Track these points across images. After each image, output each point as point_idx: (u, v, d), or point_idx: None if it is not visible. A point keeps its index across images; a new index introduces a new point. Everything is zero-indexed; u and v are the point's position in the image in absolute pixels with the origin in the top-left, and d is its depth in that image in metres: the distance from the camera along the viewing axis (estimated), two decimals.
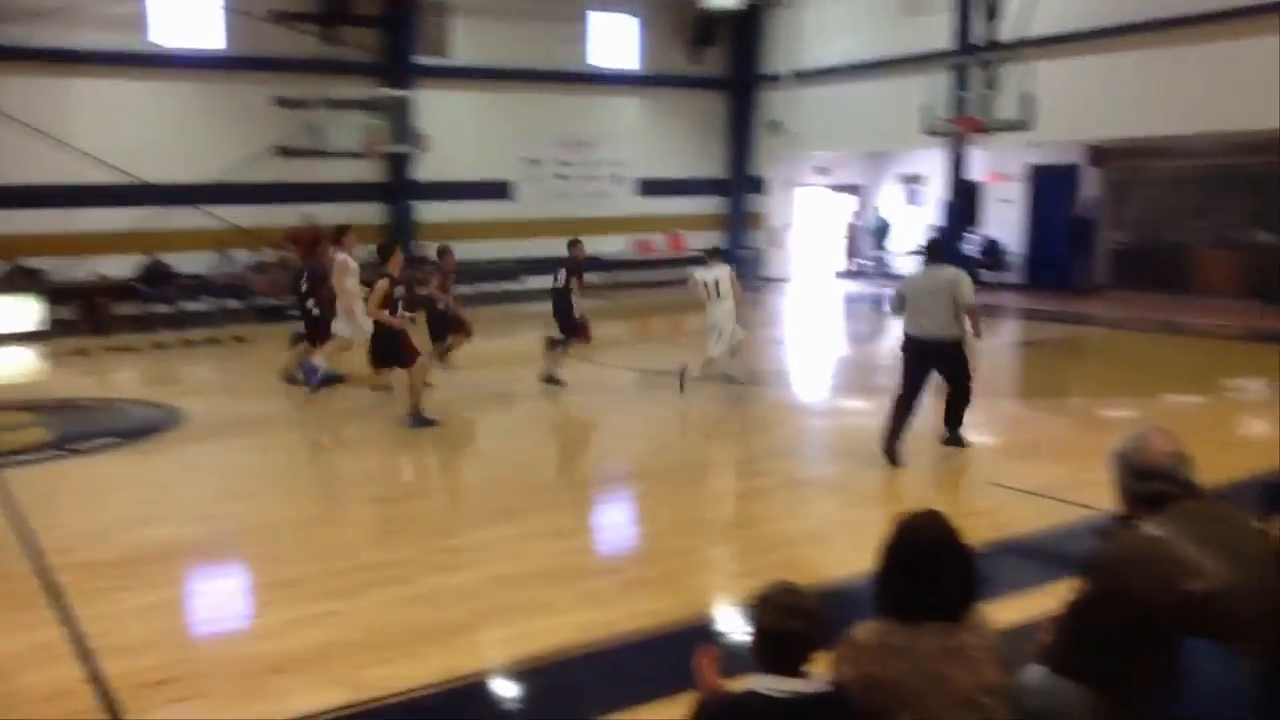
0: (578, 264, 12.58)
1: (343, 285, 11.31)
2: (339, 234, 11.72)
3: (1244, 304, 18.48)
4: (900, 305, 8.62)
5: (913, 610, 2.98)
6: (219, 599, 6.12)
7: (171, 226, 18.72)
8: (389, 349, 10.29)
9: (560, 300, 12.33)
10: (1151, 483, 3.09)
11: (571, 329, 12.32)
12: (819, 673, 2.95)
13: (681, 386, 11.60)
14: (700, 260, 13.41)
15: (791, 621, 2.92)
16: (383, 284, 10.15)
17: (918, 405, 8.54)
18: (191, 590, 6.26)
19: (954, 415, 8.83)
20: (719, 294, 11.79)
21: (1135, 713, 2.69)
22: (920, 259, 9.11)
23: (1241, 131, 17.66)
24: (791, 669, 2.91)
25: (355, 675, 4.83)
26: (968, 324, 8.45)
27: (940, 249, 9.16)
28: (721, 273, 11.92)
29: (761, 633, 2.96)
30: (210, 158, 19.10)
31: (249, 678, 4.84)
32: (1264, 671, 2.23)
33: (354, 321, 11.23)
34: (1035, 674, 3.23)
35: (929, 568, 3.00)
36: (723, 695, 3.01)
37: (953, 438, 8.87)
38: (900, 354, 8.62)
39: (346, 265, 11.39)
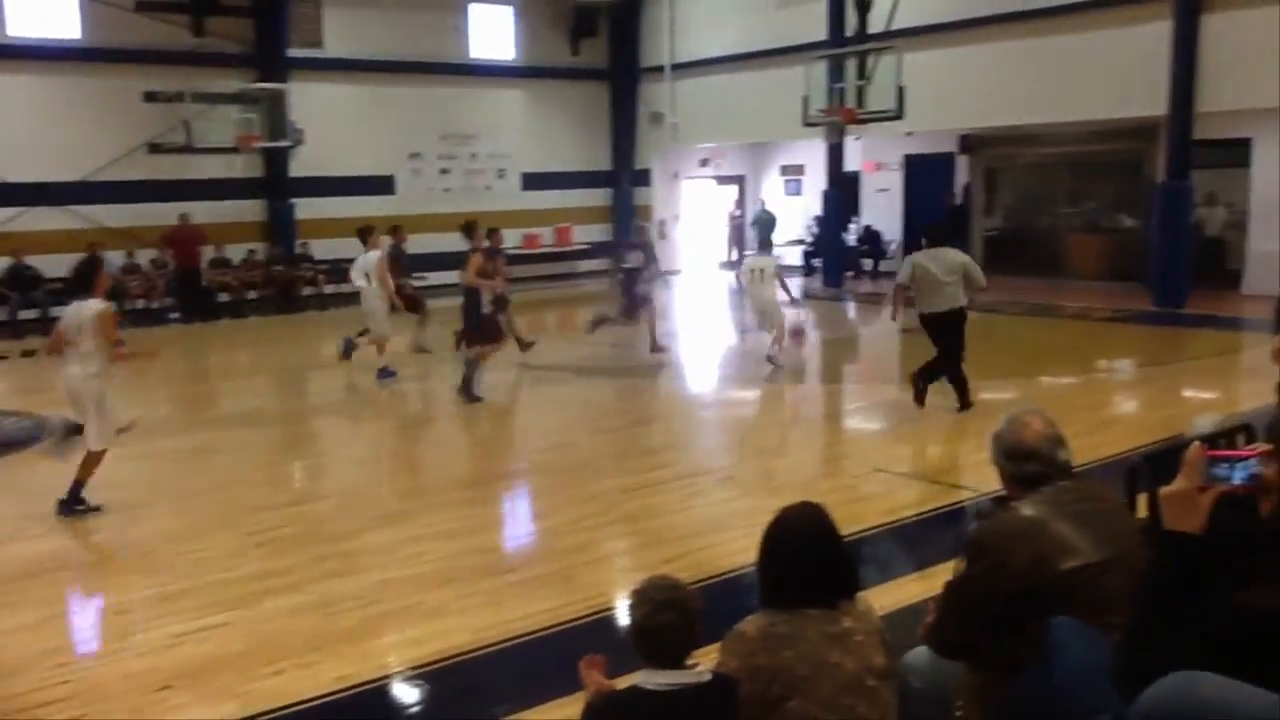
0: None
1: (385, 278, 12.29)
2: (395, 230, 12.97)
3: (1111, 286, 19.24)
4: (910, 281, 9.86)
5: (793, 598, 3.06)
6: (100, 616, 5.92)
7: (35, 228, 17.98)
8: (485, 324, 11.33)
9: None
10: (1026, 464, 3.15)
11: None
12: (703, 663, 2.99)
13: (773, 364, 12.63)
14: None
15: (663, 614, 2.95)
16: (476, 258, 11.21)
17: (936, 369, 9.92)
18: (70, 608, 6.05)
19: (929, 374, 9.93)
20: (762, 280, 12.79)
21: (1011, 689, 2.78)
22: (925, 241, 10.24)
23: (1105, 120, 18.40)
24: (672, 661, 2.95)
25: (246, 688, 4.73)
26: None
27: (942, 233, 10.50)
28: (768, 263, 13.07)
29: (636, 626, 3.00)
30: (75, 155, 18.37)
31: (134, 696, 4.71)
32: (1127, 645, 2.33)
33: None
34: (920, 655, 3.35)
35: (805, 556, 3.10)
36: (607, 694, 3.06)
37: (964, 404, 9.84)
38: (925, 329, 10.02)
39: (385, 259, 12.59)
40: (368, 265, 12.68)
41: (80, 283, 7.79)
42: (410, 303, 13.42)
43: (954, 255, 9.96)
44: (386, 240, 12.77)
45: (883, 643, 3.12)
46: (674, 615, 2.96)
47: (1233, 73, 15.69)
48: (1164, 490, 2.27)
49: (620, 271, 13.76)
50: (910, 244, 23.04)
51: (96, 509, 7.47)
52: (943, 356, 9.86)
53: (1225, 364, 12.92)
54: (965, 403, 9.84)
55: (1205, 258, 18.62)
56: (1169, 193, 16.93)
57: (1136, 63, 16.56)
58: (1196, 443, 2.27)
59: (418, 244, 21.76)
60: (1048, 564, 2.87)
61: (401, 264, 13.43)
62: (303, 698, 4.63)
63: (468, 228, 11.97)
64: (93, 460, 7.54)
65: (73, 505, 7.43)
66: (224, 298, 19.75)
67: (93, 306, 7.52)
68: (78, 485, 7.46)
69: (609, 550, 6.75)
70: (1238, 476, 2.22)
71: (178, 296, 19.16)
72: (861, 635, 3.06)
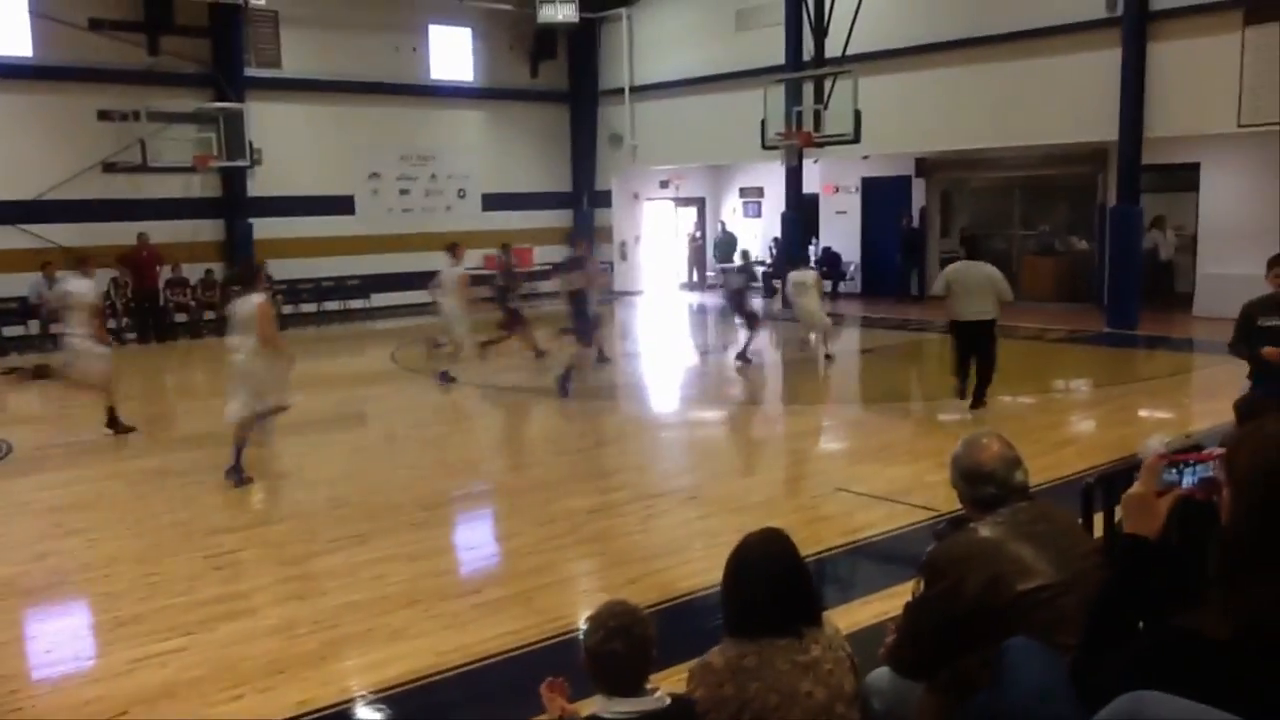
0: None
1: (463, 295, 13.04)
2: (454, 247, 13.41)
3: (1065, 307, 19.53)
4: (946, 291, 10.53)
5: (760, 629, 3.06)
6: (54, 641, 5.81)
7: None
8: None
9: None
10: (983, 486, 3.18)
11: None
12: (661, 688, 3.00)
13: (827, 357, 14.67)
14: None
15: (614, 643, 2.94)
16: (463, 277, 12.67)
17: (969, 367, 10.60)
18: (24, 633, 5.94)
19: (982, 383, 10.59)
20: (805, 292, 14.56)
21: (966, 711, 2.81)
22: (963, 253, 11.20)
23: (1057, 144, 18.73)
24: (628, 688, 2.94)
25: (205, 713, 4.68)
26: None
27: (976, 244, 11.75)
28: (810, 276, 15.06)
29: (589, 653, 2.99)
30: (27, 174, 18.17)
31: None
32: (1080, 664, 2.37)
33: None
34: (881, 676, 3.36)
35: (770, 585, 3.10)
36: None
37: (978, 402, 10.55)
38: (951, 335, 10.74)
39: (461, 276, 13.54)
40: (449, 279, 13.43)
41: (243, 281, 9.24)
42: (509, 318, 14.74)
43: (986, 268, 10.65)
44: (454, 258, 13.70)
45: (852, 667, 3.15)
46: (624, 643, 2.94)
47: (1181, 99, 16.05)
48: (1124, 494, 2.33)
49: (569, 294, 13.64)
50: (868, 266, 23.40)
51: (250, 480, 8.76)
52: (984, 364, 10.60)
53: (1178, 384, 13.15)
54: (979, 402, 10.61)
55: (1157, 280, 18.99)
56: (1120, 216, 17.24)
57: (1087, 89, 16.88)
58: (1154, 451, 2.34)
59: (377, 264, 21.81)
60: (1005, 585, 2.89)
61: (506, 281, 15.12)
62: None
63: (504, 249, 15.63)
64: (244, 428, 8.83)
65: (238, 474, 8.74)
66: (181, 318, 19.55)
67: (254, 300, 8.84)
68: (237, 452, 8.80)
69: (571, 572, 6.74)
70: (1187, 480, 2.30)
71: (134, 317, 18.92)
72: (831, 663, 3.07)
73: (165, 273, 19.31)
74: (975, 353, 10.56)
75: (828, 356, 14.91)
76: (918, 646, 3.09)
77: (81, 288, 11.07)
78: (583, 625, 3.15)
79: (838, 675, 3.07)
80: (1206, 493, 2.25)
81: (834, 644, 3.13)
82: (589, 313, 13.23)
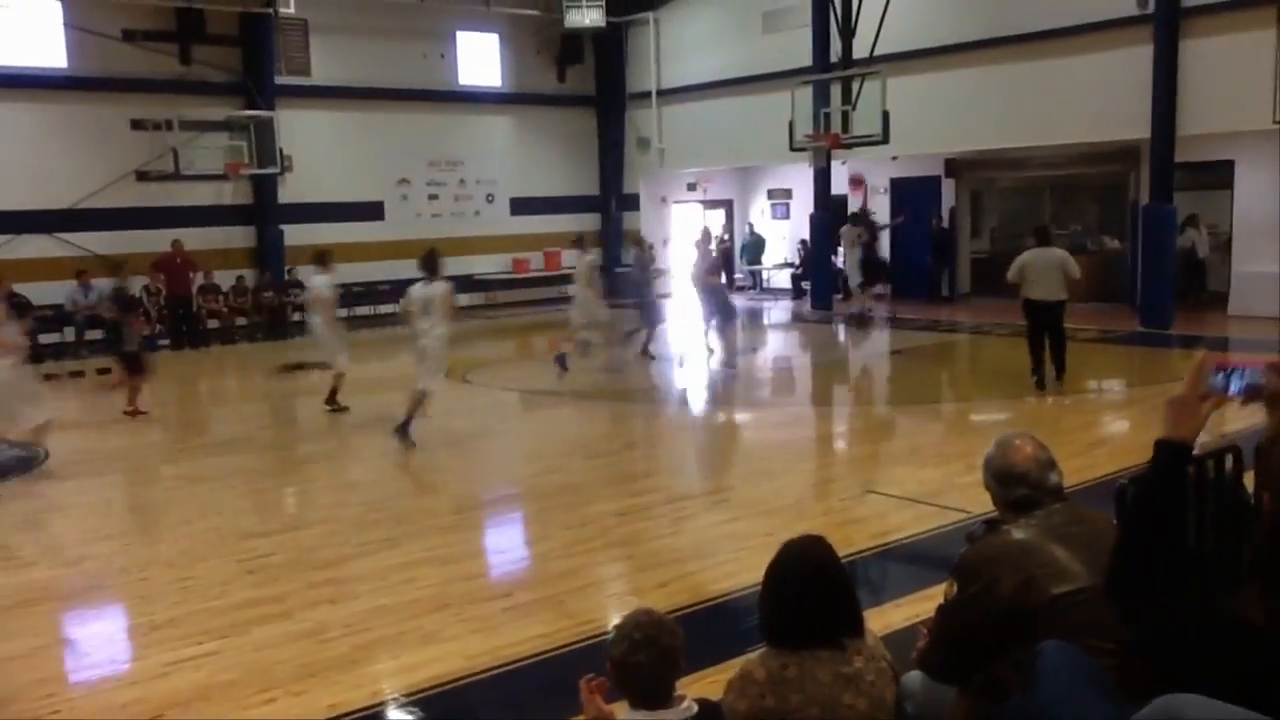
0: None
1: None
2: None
3: (1097, 307, 19.33)
4: (1019, 275, 11.64)
5: (802, 639, 2.99)
6: (90, 644, 5.88)
7: (23, 255, 17.95)
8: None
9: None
10: (1016, 488, 3.16)
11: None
12: (688, 696, 2.96)
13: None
14: None
15: (639, 654, 2.89)
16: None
17: (1043, 347, 11.80)
18: (61, 637, 6.01)
19: (1059, 361, 11.84)
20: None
21: (999, 715, 2.78)
22: (1034, 241, 12.03)
23: (1088, 143, 18.57)
24: (654, 699, 2.91)
25: (238, 715, 4.72)
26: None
27: (1047, 233, 12.33)
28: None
29: (614, 663, 2.95)
30: (62, 183, 18.40)
31: None
32: (1115, 573, 2.33)
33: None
34: (913, 680, 3.32)
35: (812, 596, 3.02)
36: None
37: (1060, 374, 11.82)
38: (1025, 313, 11.91)
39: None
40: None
41: (428, 269, 10.45)
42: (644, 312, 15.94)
43: (1058, 253, 11.83)
44: (595, 251, 14.73)
45: (894, 676, 3.09)
46: (649, 655, 2.89)
47: (1214, 96, 15.87)
48: (1168, 397, 2.31)
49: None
50: (897, 266, 23.26)
51: (413, 444, 10.04)
52: (1057, 344, 11.80)
53: None
54: (1061, 374, 11.89)
55: (1191, 279, 18.81)
56: (1152, 215, 17.07)
57: (1119, 86, 16.73)
58: (1204, 350, 2.34)
59: (407, 269, 21.86)
60: (1037, 588, 2.87)
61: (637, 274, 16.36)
62: None
63: (640, 240, 17.21)
64: (418, 398, 10.26)
65: (404, 434, 10.05)
66: (213, 324, 19.73)
67: (439, 287, 10.31)
68: (408, 419, 10.13)
69: (601, 575, 6.74)
70: (1234, 386, 2.28)
71: (168, 323, 19.10)
72: (873, 674, 3.00)
73: (198, 279, 19.46)
74: (1048, 330, 11.77)
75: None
76: (950, 649, 3.08)
77: (319, 283, 12.38)
78: (610, 634, 3.11)
79: (879, 686, 2.99)
80: (1248, 397, 2.25)
81: (875, 654, 3.06)
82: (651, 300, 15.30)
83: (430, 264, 10.47)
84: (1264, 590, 2.01)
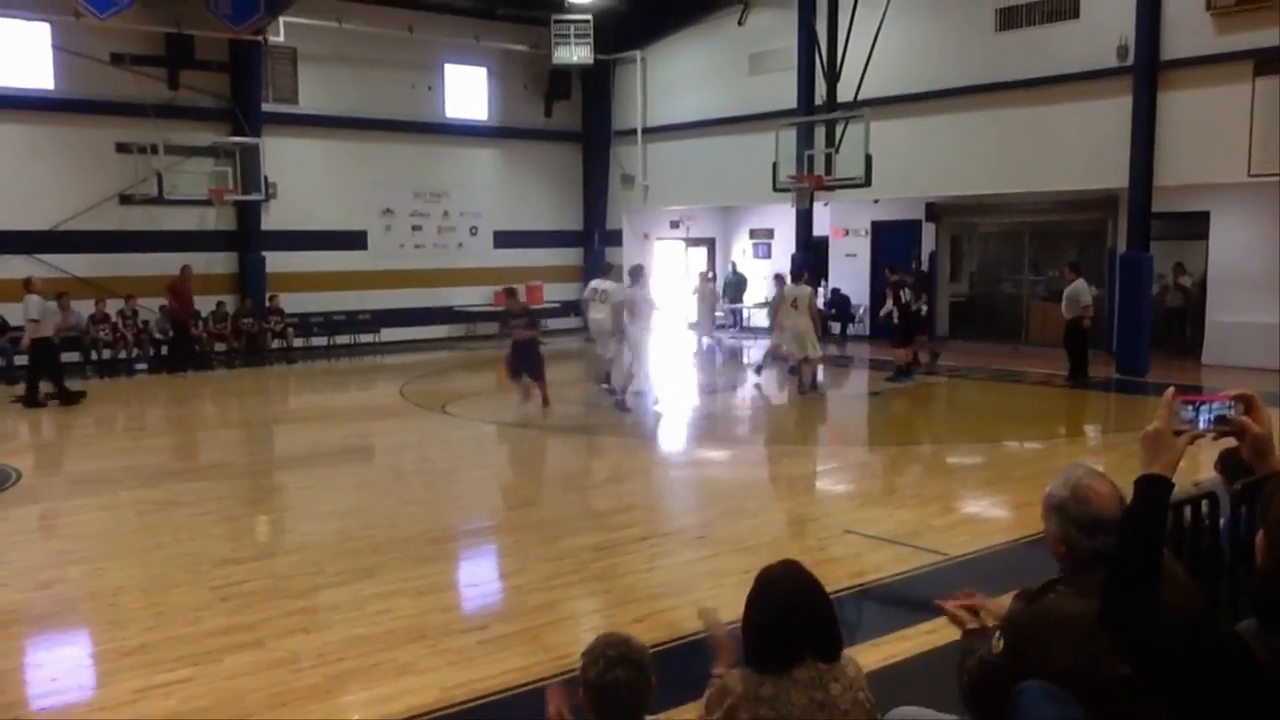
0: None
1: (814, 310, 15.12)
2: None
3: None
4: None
5: (779, 662, 3.01)
6: (59, 669, 5.80)
7: (1, 275, 17.84)
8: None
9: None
10: (1100, 537, 2.76)
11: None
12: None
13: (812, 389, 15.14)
14: None
15: (615, 671, 2.92)
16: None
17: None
18: (29, 661, 5.93)
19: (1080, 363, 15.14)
20: (796, 309, 15.23)
21: None
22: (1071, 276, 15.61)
23: (1067, 191, 18.81)
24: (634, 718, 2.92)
25: None
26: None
27: (1079, 267, 16.24)
28: (804, 292, 15.44)
29: (589, 685, 2.96)
30: (45, 204, 18.37)
31: None
32: (1108, 607, 2.31)
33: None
34: (904, 713, 3.26)
35: (789, 615, 3.03)
36: None
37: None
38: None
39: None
40: (799, 295, 14.96)
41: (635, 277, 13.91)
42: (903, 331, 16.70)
43: (1077, 284, 15.78)
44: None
45: (870, 710, 3.07)
46: (627, 671, 2.92)
47: (1191, 148, 16.13)
48: (1142, 432, 2.33)
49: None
50: (877, 308, 23.31)
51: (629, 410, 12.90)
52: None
53: None
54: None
55: (1169, 326, 19.06)
56: (1130, 263, 17.27)
57: (1098, 136, 16.98)
58: (1171, 387, 2.37)
59: (388, 299, 21.91)
60: (1102, 665, 2.61)
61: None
62: None
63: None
64: (629, 378, 13.59)
65: (621, 403, 13.06)
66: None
67: (624, 291, 13.68)
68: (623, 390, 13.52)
69: (578, 609, 6.71)
70: (1203, 420, 2.33)
71: (171, 346, 19.18)
72: (848, 704, 3.00)
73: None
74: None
75: (813, 386, 15.07)
76: (990, 699, 2.89)
77: (610, 286, 14.35)
78: (579, 662, 3.11)
79: (851, 715, 2.99)
80: (1220, 432, 2.30)
81: (854, 684, 3.05)
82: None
83: (636, 273, 13.86)
84: (1260, 631, 2.04)
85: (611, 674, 2.91)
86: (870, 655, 5.40)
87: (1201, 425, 2.34)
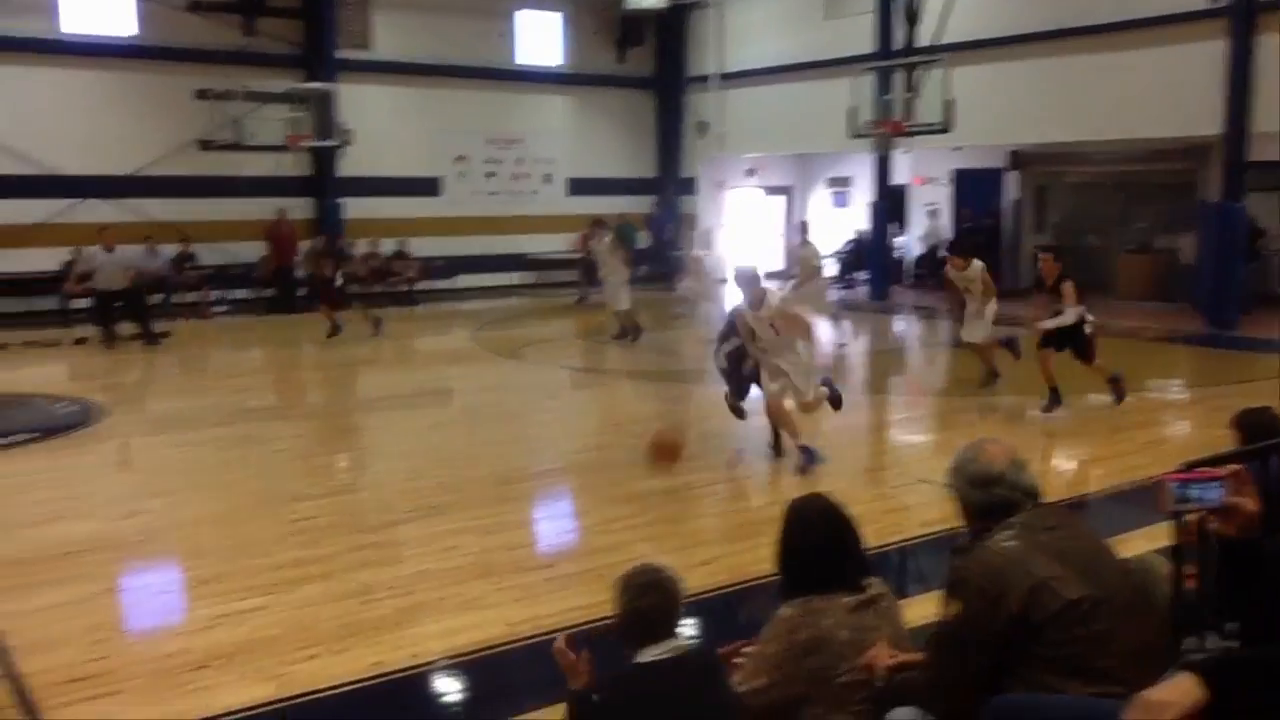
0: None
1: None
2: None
3: (1160, 306, 18.96)
4: None
5: (818, 582, 3.27)
6: (139, 596, 5.98)
7: (87, 219, 18.22)
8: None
9: None
10: (993, 489, 3.04)
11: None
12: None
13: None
14: None
15: (649, 596, 3.12)
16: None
17: None
18: (111, 587, 6.09)
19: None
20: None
21: None
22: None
23: (1156, 139, 18.18)
24: (662, 635, 3.12)
25: (280, 671, 4.76)
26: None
27: None
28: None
29: (626, 612, 3.15)
30: (127, 149, 18.69)
31: (170, 674, 4.74)
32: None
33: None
34: (904, 714, 3.11)
35: (824, 540, 3.34)
36: (606, 676, 3.17)
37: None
38: None
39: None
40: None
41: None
42: None
43: None
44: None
45: (899, 617, 3.44)
46: (659, 597, 3.14)
47: None
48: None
49: None
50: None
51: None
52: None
53: (1276, 387, 12.66)
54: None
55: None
56: (1222, 214, 16.67)
57: (1190, 81, 16.33)
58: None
59: (463, 245, 22.00)
60: (1050, 593, 2.73)
61: None
62: (336, 682, 4.64)
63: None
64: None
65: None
66: (270, 293, 20.01)
67: (978, 266, 12.02)
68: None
69: (643, 551, 6.66)
70: (1205, 497, 2.29)
71: (274, 288, 19.90)
72: (887, 601, 3.37)
73: (258, 248, 19.90)
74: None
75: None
76: (963, 669, 2.86)
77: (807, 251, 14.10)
78: (613, 595, 3.24)
79: (893, 614, 3.37)
80: (1223, 521, 2.27)
81: (885, 594, 3.40)
82: None
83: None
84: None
85: (645, 599, 3.13)
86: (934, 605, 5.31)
87: (1210, 499, 2.32)
